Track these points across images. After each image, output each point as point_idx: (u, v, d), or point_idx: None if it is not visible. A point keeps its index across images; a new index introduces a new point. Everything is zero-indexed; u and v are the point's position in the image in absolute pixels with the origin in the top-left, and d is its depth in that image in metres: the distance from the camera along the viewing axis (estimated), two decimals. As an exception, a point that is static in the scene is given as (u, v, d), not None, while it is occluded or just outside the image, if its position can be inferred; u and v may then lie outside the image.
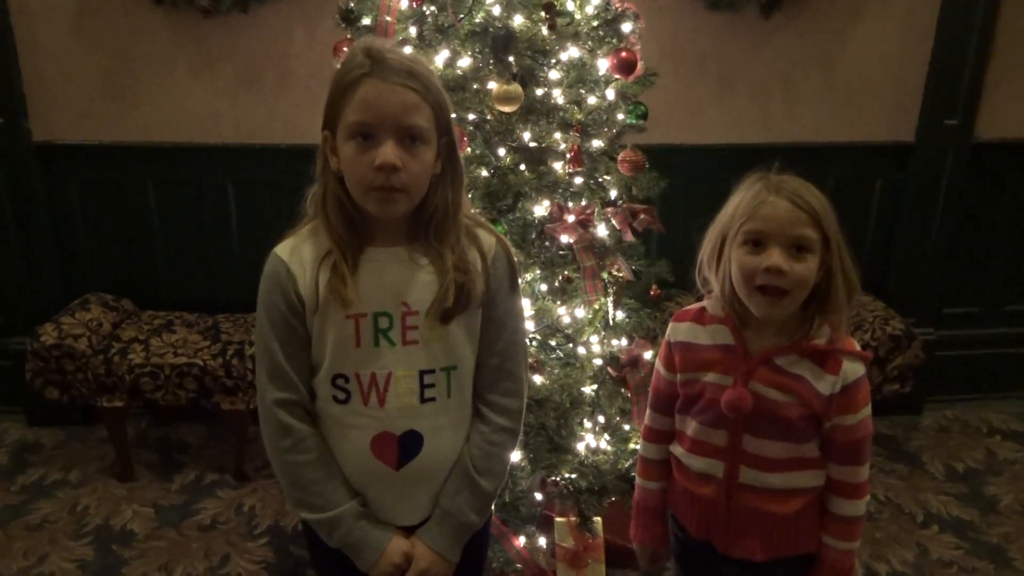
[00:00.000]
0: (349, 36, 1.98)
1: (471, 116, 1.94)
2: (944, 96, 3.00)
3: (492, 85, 1.86)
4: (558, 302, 2.01)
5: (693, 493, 1.52)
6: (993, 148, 3.09)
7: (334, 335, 1.30)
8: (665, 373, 1.56)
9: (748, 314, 1.41)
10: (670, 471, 1.59)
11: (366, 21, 1.91)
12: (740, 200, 1.40)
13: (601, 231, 2.07)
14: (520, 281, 2.00)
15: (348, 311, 1.28)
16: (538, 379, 2.02)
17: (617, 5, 1.97)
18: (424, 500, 1.39)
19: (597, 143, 2.04)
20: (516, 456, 2.03)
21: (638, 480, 1.65)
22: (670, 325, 1.55)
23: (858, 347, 1.42)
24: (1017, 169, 3.16)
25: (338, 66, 1.27)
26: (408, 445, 1.34)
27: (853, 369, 1.39)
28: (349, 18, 1.93)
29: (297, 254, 1.31)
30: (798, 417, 1.39)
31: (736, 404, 1.40)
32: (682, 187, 3.01)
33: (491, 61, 1.86)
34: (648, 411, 1.62)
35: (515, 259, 1.43)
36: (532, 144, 1.94)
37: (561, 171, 1.96)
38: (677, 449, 1.55)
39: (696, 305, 1.54)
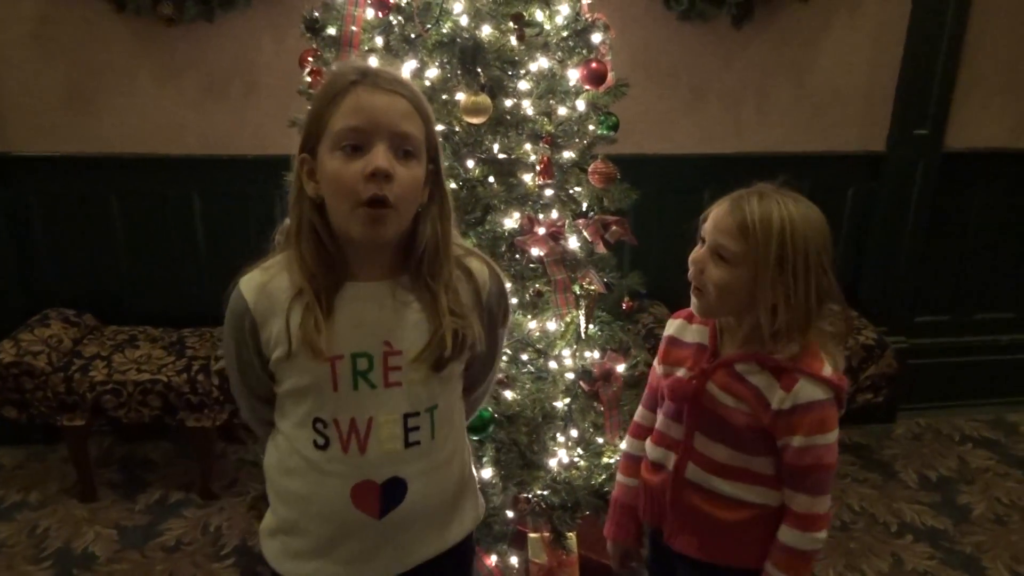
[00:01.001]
0: (315, 46, 1.94)
1: (439, 128, 1.90)
2: (914, 106, 3.02)
3: (460, 96, 1.82)
4: (529, 316, 1.98)
5: (646, 480, 1.57)
6: (962, 157, 3.12)
7: (310, 378, 1.22)
8: (656, 367, 1.58)
9: (727, 321, 1.45)
10: None
11: (331, 31, 1.87)
12: (714, 212, 1.41)
13: (572, 243, 2.05)
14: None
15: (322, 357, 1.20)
16: (509, 394, 1.98)
17: (587, 16, 1.95)
18: (407, 548, 1.32)
19: (568, 154, 2.01)
20: (487, 473, 1.99)
21: (619, 476, 1.67)
22: (668, 321, 1.59)
23: (830, 374, 1.37)
24: (986, 178, 3.19)
25: (308, 80, 1.24)
26: (391, 493, 1.26)
27: (809, 391, 1.36)
28: (314, 28, 1.89)
29: (265, 293, 1.22)
30: (744, 426, 1.40)
31: (676, 389, 1.45)
32: (655, 198, 3.01)
33: (459, 72, 1.83)
34: (639, 408, 1.65)
35: (506, 288, 1.40)
36: (501, 156, 1.91)
37: (531, 183, 1.94)
38: (648, 442, 1.58)
39: None
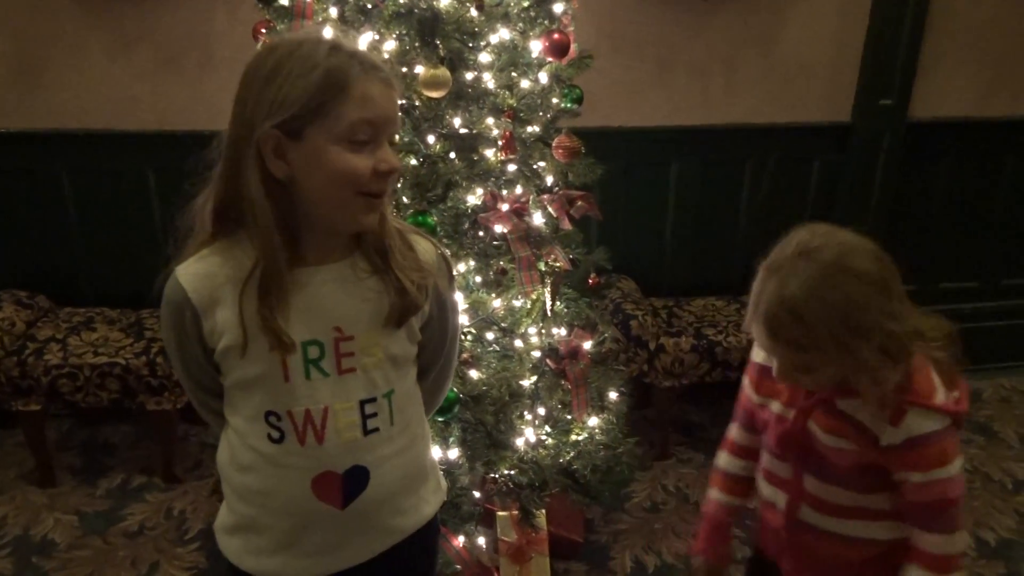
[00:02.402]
0: (268, 17, 1.87)
1: (400, 102, 1.85)
2: (879, 77, 3.00)
3: (419, 70, 1.77)
4: (493, 294, 1.95)
5: (764, 517, 1.47)
6: (927, 127, 3.12)
7: (259, 369, 1.17)
8: (748, 391, 1.47)
9: None
10: (747, 488, 1.51)
11: (284, 1, 1.80)
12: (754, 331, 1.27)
13: (537, 219, 2.01)
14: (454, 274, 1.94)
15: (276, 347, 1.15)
16: (475, 374, 1.95)
17: (549, -15, 1.90)
18: (372, 536, 1.29)
19: (531, 129, 1.97)
20: (454, 453, 1.97)
21: (713, 492, 1.54)
22: (755, 344, 1.41)
23: (943, 400, 1.25)
24: (951, 147, 3.19)
25: (264, 56, 1.11)
26: (354, 482, 1.22)
27: (920, 423, 1.23)
28: (266, -2, 1.82)
29: (207, 281, 1.16)
30: (852, 465, 1.29)
31: (785, 440, 1.35)
32: (623, 171, 2.98)
33: (417, 44, 1.77)
34: (734, 424, 1.53)
35: (450, 263, 1.38)
36: (463, 131, 1.87)
37: (493, 158, 1.89)
38: (759, 475, 1.48)
39: None
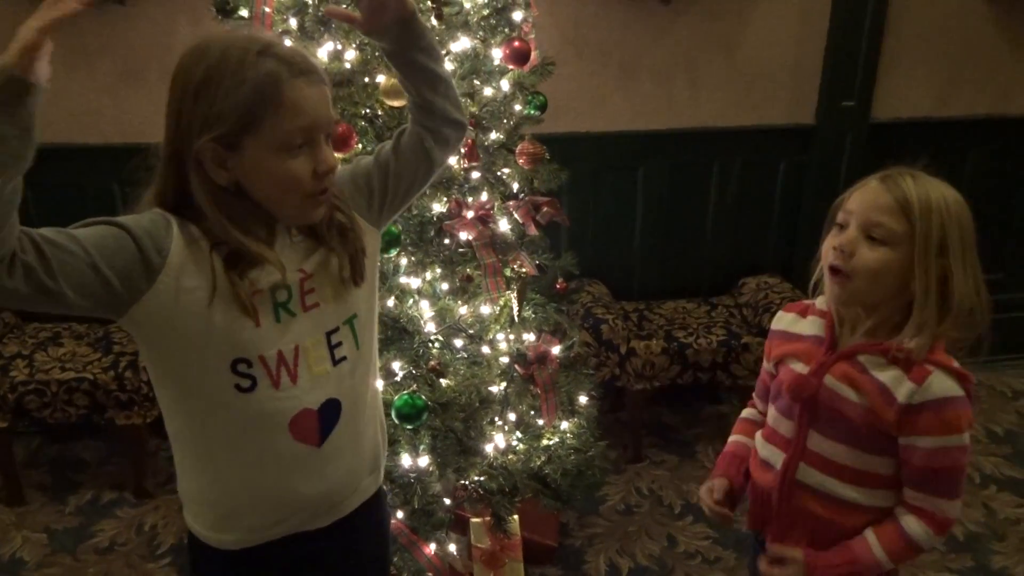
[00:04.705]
0: (227, 29, 1.86)
1: (363, 112, 1.85)
2: (841, 79, 3.04)
3: (381, 79, 1.78)
4: (460, 301, 1.95)
5: (755, 479, 1.46)
6: (889, 127, 3.16)
7: (226, 318, 1.14)
8: (766, 364, 1.49)
9: (853, 312, 1.34)
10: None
11: (243, 12, 1.80)
12: (860, 193, 1.32)
13: (503, 226, 2.02)
14: (419, 282, 1.95)
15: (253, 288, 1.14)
16: (444, 381, 1.96)
17: (508, -7, 1.91)
18: (347, 470, 1.31)
19: (494, 136, 1.98)
20: (424, 461, 1.97)
21: (733, 436, 1.57)
22: (776, 315, 1.49)
23: (958, 366, 1.28)
24: (912, 147, 3.18)
25: (192, 65, 1.09)
26: (328, 415, 1.25)
27: (944, 386, 1.25)
28: (225, 9, 1.81)
29: (191, 236, 1.13)
30: (863, 423, 1.29)
31: (797, 387, 1.34)
32: (590, 176, 3.00)
33: (378, 53, 1.78)
34: (755, 397, 1.57)
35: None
36: (425, 139, 1.87)
37: (457, 166, 1.90)
38: (758, 436, 1.49)
39: (808, 300, 1.47)
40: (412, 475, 1.96)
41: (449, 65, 1.88)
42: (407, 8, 1.23)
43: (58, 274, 1.00)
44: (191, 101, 1.09)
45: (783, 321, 1.46)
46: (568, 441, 2.19)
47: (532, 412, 2.14)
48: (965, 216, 1.27)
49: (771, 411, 1.45)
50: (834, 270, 1.29)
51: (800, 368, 1.37)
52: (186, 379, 1.18)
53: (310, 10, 1.77)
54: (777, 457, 1.41)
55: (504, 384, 2.08)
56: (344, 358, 1.25)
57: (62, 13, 0.98)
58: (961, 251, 1.25)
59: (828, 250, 1.31)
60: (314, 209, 1.17)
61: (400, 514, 1.99)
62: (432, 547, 2.01)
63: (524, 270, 2.03)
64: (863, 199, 1.28)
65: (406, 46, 1.27)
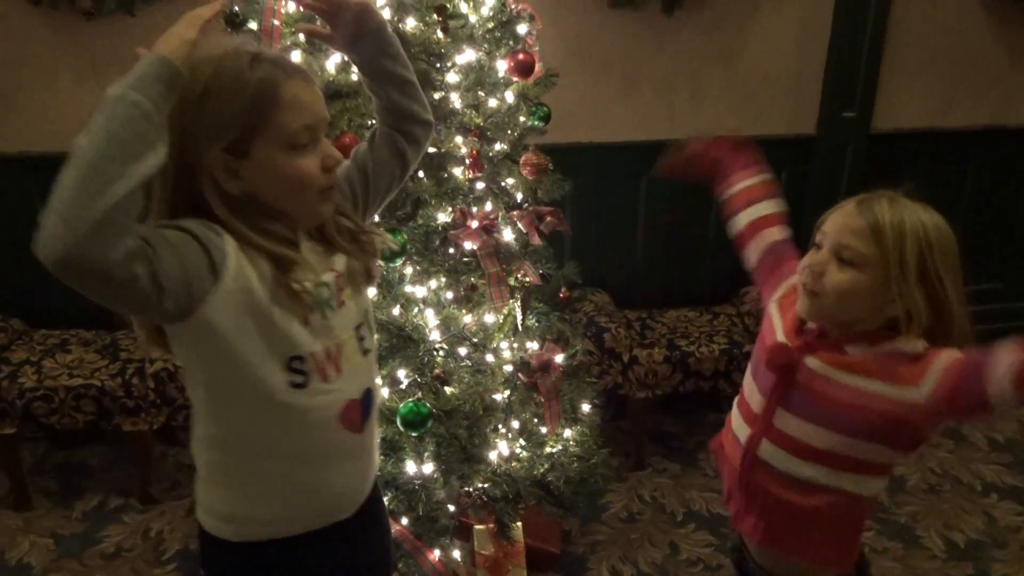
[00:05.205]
0: (224, 42, 1.89)
1: (368, 123, 1.88)
2: (842, 89, 3.07)
3: (387, 90, 1.80)
4: (464, 310, 1.97)
5: (725, 455, 1.49)
6: (889, 138, 3.19)
7: (283, 317, 1.17)
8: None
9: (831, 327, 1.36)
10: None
11: (252, 25, 1.83)
12: (837, 214, 1.36)
13: (507, 235, 2.05)
14: (424, 291, 1.97)
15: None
16: (448, 389, 1.98)
17: (512, 6, 1.94)
18: (373, 458, 1.41)
19: (499, 146, 2.01)
20: (428, 468, 1.99)
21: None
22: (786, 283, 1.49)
23: None
24: (912, 158, 3.27)
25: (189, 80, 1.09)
26: (367, 404, 1.33)
27: (945, 355, 1.25)
28: (234, 22, 1.84)
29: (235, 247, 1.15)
30: (863, 407, 1.28)
31: (775, 356, 1.36)
32: (593, 186, 3.02)
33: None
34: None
35: None
36: (431, 150, 1.90)
37: (462, 177, 1.93)
38: (734, 407, 1.51)
39: None
40: (416, 482, 1.98)
41: (454, 77, 1.91)
42: (372, 21, 1.31)
43: (159, 272, 1.00)
44: (194, 115, 1.11)
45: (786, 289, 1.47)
46: (571, 449, 2.21)
47: (535, 420, 2.16)
48: (945, 240, 1.29)
49: (748, 379, 1.47)
50: (805, 287, 1.33)
51: (782, 338, 1.39)
52: (242, 382, 1.18)
53: (318, 23, 1.80)
54: (744, 432, 1.44)
55: (508, 392, 2.10)
56: (368, 350, 1.33)
57: (215, 11, 1.08)
58: (945, 275, 1.26)
59: (802, 267, 1.35)
60: (325, 204, 1.22)
61: (404, 520, 2.00)
62: (436, 553, 2.03)
63: (528, 279, 2.05)
64: (837, 221, 1.32)
65: (375, 55, 1.34)
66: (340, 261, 1.28)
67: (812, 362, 1.34)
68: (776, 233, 1.56)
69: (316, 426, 1.26)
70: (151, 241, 1.00)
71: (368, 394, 1.33)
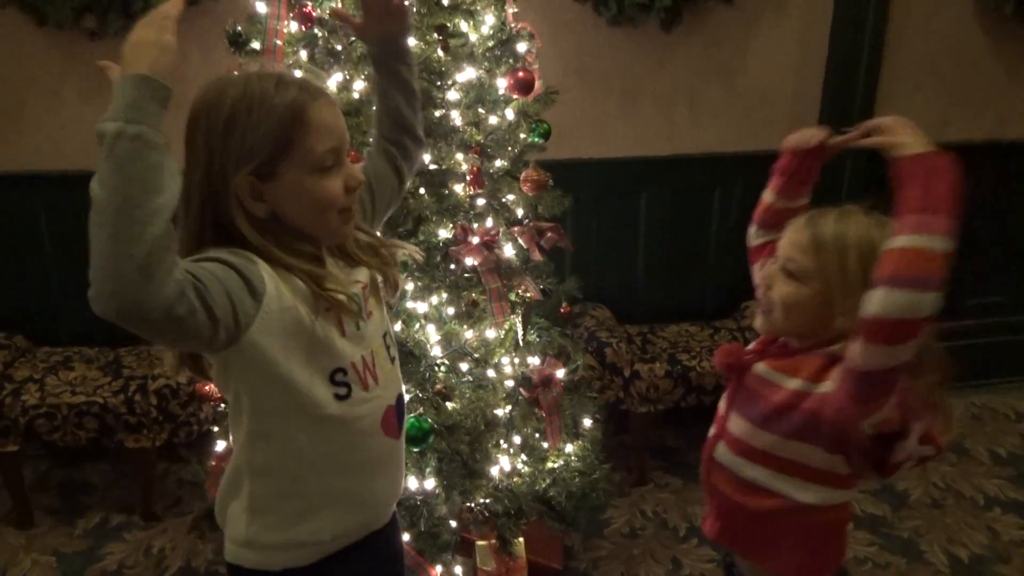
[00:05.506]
0: (241, 61, 1.92)
1: (370, 140, 1.90)
2: (840, 105, 3.09)
3: (388, 108, 1.82)
4: (465, 326, 1.98)
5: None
6: (888, 154, 3.20)
7: (324, 331, 1.19)
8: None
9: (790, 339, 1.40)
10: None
11: (255, 45, 1.85)
12: (790, 228, 1.38)
13: (508, 251, 2.06)
14: (426, 306, 1.98)
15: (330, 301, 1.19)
16: (450, 404, 1.98)
17: (512, 25, 1.96)
18: (402, 461, 1.43)
19: (499, 163, 2.02)
20: (430, 484, 1.99)
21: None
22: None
23: None
24: (912, 173, 3.27)
25: (214, 103, 1.12)
26: (400, 409, 1.36)
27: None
28: (237, 42, 1.86)
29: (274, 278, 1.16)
30: (781, 403, 1.31)
31: (724, 355, 1.41)
32: (593, 201, 3.04)
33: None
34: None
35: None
36: (432, 167, 1.92)
37: (463, 193, 1.94)
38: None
39: None
40: (418, 497, 1.98)
41: (455, 95, 1.93)
42: (405, 25, 1.35)
43: (211, 303, 1.01)
44: (221, 140, 1.11)
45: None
46: (573, 464, 2.21)
47: (537, 435, 2.16)
48: None
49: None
50: (758, 302, 1.37)
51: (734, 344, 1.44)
52: (291, 400, 1.19)
53: (320, 42, 1.83)
54: (711, 431, 1.48)
55: (509, 407, 2.10)
56: (394, 358, 1.37)
57: (179, 9, 1.05)
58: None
59: (757, 282, 1.39)
60: (347, 224, 1.24)
61: (406, 536, 2.00)
62: (438, 569, 2.02)
63: (529, 294, 2.06)
64: (787, 235, 1.35)
65: (394, 58, 1.38)
66: (363, 273, 1.30)
67: (759, 367, 1.37)
68: None
69: (361, 435, 1.28)
70: (194, 274, 1.01)
71: (400, 400, 1.36)
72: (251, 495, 1.27)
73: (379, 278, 1.33)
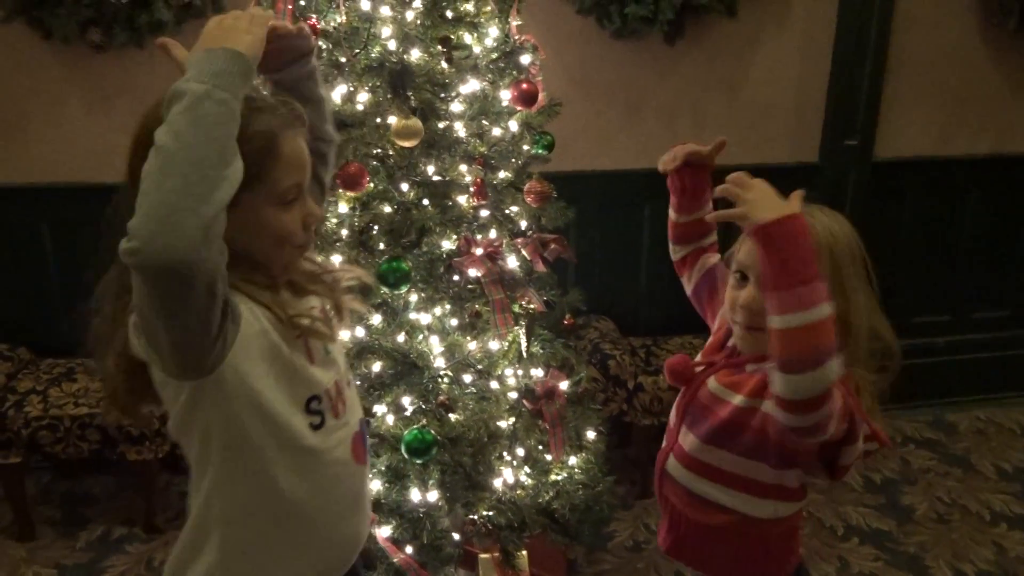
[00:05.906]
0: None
1: (374, 152, 1.90)
2: (843, 118, 3.10)
3: (392, 120, 1.83)
4: (468, 337, 1.98)
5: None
6: (891, 166, 3.20)
7: (299, 359, 1.17)
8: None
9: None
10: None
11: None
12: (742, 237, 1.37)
13: (512, 263, 2.06)
14: (429, 318, 1.98)
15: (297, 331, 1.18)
16: (453, 416, 1.98)
17: (516, 37, 1.97)
18: (368, 492, 1.41)
19: (503, 175, 2.03)
20: (433, 496, 1.98)
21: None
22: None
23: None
24: (914, 185, 3.28)
25: None
26: (363, 432, 1.34)
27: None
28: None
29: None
30: (729, 419, 1.32)
31: (674, 371, 1.42)
32: (596, 213, 3.04)
33: (389, 96, 1.83)
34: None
35: None
36: (436, 178, 1.92)
37: (466, 204, 1.94)
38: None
39: None
40: (421, 510, 1.97)
41: (458, 106, 1.94)
42: (310, 46, 1.28)
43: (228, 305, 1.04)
44: None
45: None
46: (576, 476, 2.20)
47: (540, 447, 2.16)
48: (854, 249, 1.30)
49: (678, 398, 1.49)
50: (740, 324, 1.36)
51: (695, 357, 1.44)
52: (267, 433, 1.16)
53: (323, 55, 1.83)
54: (664, 445, 1.49)
55: (512, 419, 2.09)
56: (350, 380, 1.34)
57: (283, 25, 1.12)
58: (853, 284, 1.28)
59: (735, 307, 1.36)
60: (294, 258, 1.23)
61: (409, 549, 1.99)
62: (441, 582, 2.01)
63: (532, 306, 2.06)
64: (743, 247, 1.34)
65: (299, 77, 1.29)
66: (315, 300, 1.27)
67: (711, 383, 1.39)
68: (711, 259, 1.60)
69: (335, 464, 1.25)
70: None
71: (363, 424, 1.34)
72: (221, 547, 1.20)
73: (327, 305, 1.29)
